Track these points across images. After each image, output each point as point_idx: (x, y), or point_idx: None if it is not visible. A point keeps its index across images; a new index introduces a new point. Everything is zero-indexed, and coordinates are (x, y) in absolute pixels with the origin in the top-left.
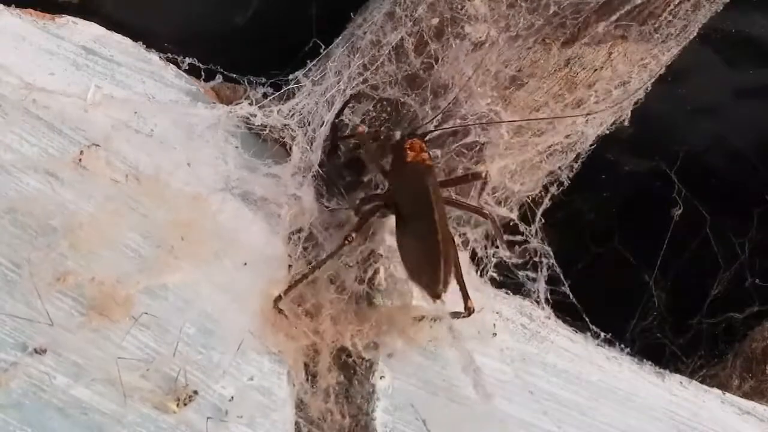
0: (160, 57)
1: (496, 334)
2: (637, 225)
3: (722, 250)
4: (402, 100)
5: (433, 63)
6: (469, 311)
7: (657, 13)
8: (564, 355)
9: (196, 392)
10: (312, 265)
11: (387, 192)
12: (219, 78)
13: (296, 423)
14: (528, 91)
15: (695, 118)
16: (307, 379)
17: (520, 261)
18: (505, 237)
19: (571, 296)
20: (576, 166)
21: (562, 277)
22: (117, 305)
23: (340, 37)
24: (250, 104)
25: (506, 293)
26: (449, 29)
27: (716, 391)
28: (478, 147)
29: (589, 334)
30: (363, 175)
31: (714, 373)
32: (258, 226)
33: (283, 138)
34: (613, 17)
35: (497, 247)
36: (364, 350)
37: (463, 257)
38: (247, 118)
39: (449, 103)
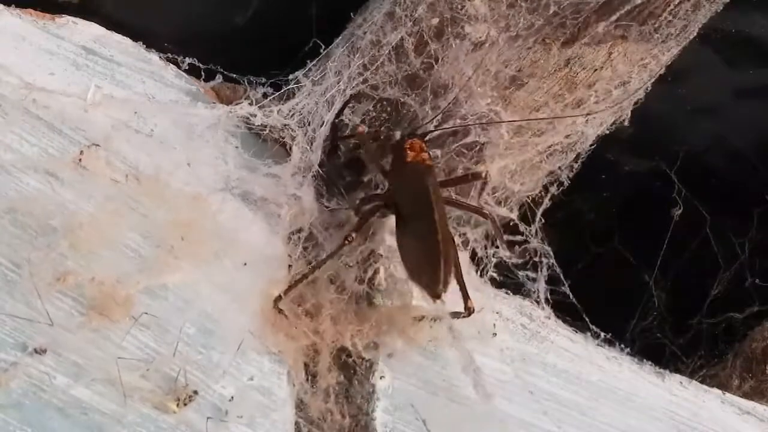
0: (160, 57)
1: (496, 334)
2: (637, 225)
3: (722, 250)
4: (402, 100)
5: (433, 63)
6: (469, 311)
7: (657, 13)
8: (564, 355)
9: (196, 392)
10: (312, 265)
11: (387, 192)
12: (219, 78)
13: (296, 423)
14: (528, 91)
15: (695, 118)
16: (307, 379)
17: (520, 261)
18: (505, 237)
19: (571, 296)
20: (576, 166)
21: (562, 277)
22: (117, 305)
23: (340, 37)
24: (250, 104)
25: (506, 293)
26: (449, 29)
27: (716, 391)
28: (478, 147)
29: (589, 334)
30: (363, 175)
31: (714, 373)
32: (258, 226)
33: (283, 138)
34: (613, 17)
35: (497, 247)
36: (364, 350)
37: (463, 257)
38: (247, 118)
39: (449, 104)
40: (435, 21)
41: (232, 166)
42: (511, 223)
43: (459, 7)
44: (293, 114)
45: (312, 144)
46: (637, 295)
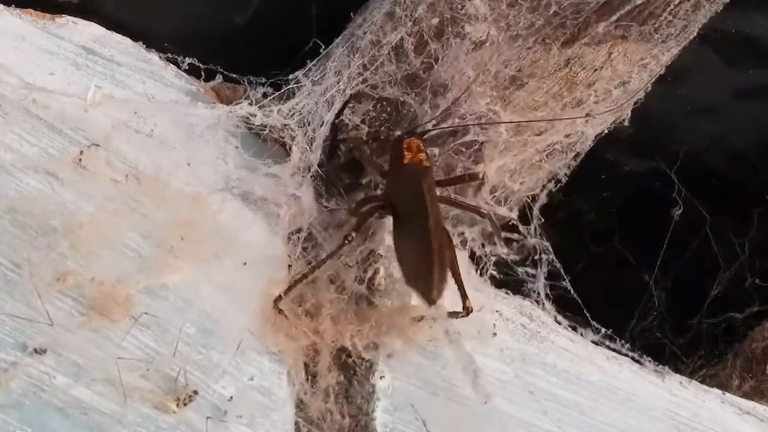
0: (160, 57)
1: (496, 334)
2: (637, 225)
3: (722, 250)
4: (402, 99)
5: (433, 63)
6: (467, 311)
7: (657, 13)
8: (564, 355)
9: (196, 392)
10: (312, 265)
11: (384, 193)
12: (219, 78)
13: (296, 423)
14: (528, 91)
15: (695, 118)
16: (307, 379)
17: (518, 257)
18: (504, 234)
19: (572, 291)
20: (574, 163)
21: (562, 272)
22: (117, 305)
23: (340, 37)
24: (250, 104)
25: (506, 293)
26: (449, 29)
27: (716, 391)
28: (476, 146)
29: (590, 329)
30: (362, 177)
31: (714, 373)
32: (258, 226)
33: (283, 138)
34: (614, 17)
35: (494, 243)
36: (363, 350)
37: (463, 257)
38: (247, 118)
39: (450, 104)
40: (435, 21)
41: (232, 166)
42: (510, 223)
43: (459, 6)
44: (293, 114)
45: (312, 144)
46: (637, 295)
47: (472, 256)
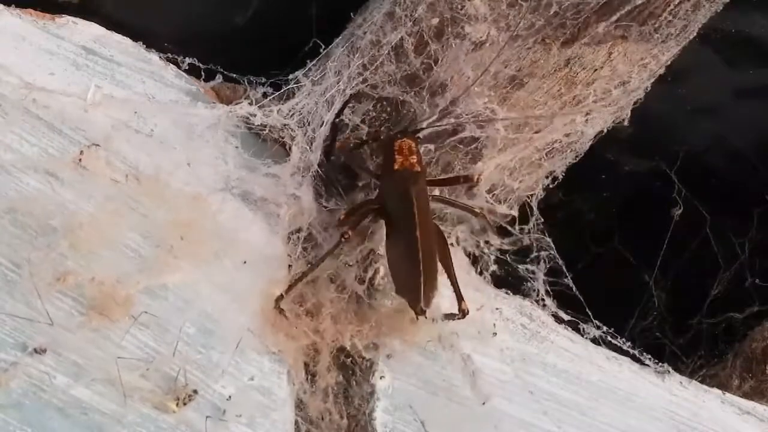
0: (160, 57)
1: (496, 333)
2: (637, 225)
3: (722, 250)
4: (402, 98)
5: (433, 63)
6: (463, 313)
7: (657, 13)
8: (564, 355)
9: (195, 391)
10: (311, 264)
11: (377, 196)
12: (219, 78)
13: (295, 422)
14: (528, 91)
15: (695, 118)
16: (307, 379)
17: (516, 249)
18: (502, 228)
19: (573, 288)
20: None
21: (564, 269)
22: (117, 305)
23: (340, 37)
24: (250, 104)
25: (506, 293)
26: (449, 29)
27: (716, 391)
28: (475, 144)
29: (592, 325)
30: (358, 180)
31: (714, 373)
32: (258, 226)
33: (283, 138)
34: (614, 17)
35: (487, 241)
36: (364, 350)
37: (462, 257)
38: (247, 117)
39: (448, 104)
40: (435, 21)
41: (232, 166)
42: (510, 219)
43: (459, 7)
44: (293, 114)
45: (311, 144)
46: (637, 295)
47: (467, 254)
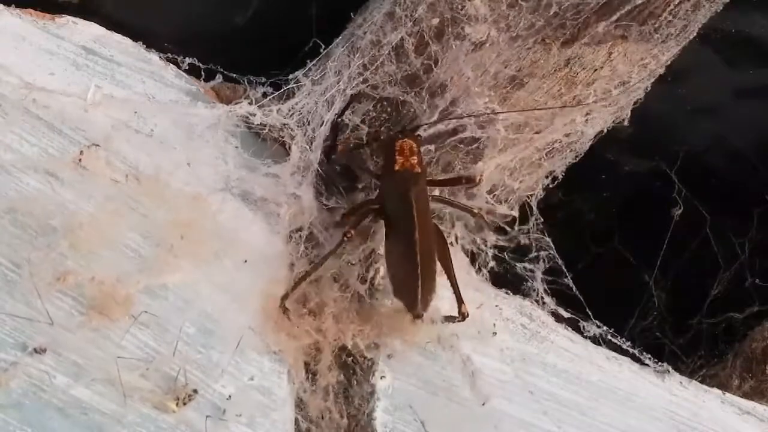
0: (160, 57)
1: (496, 333)
2: (637, 225)
3: (722, 250)
4: (402, 98)
5: (433, 64)
6: (462, 316)
7: (657, 13)
8: (564, 355)
9: (195, 391)
10: (314, 264)
11: (377, 196)
12: (219, 78)
13: (295, 420)
14: (528, 91)
15: (695, 118)
16: (307, 377)
17: (514, 247)
18: (499, 229)
19: (573, 288)
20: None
21: (564, 268)
22: (117, 305)
23: (340, 37)
24: (250, 104)
25: (506, 293)
26: (449, 29)
27: (716, 391)
28: (475, 144)
29: (592, 323)
30: (359, 181)
31: (714, 373)
32: (258, 226)
33: (283, 137)
34: (614, 17)
35: (485, 239)
36: (365, 350)
37: (463, 257)
38: (247, 117)
39: (448, 104)
40: (435, 21)
41: (232, 166)
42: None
43: (459, 7)
44: (292, 113)
45: (311, 143)
46: (637, 295)
47: (469, 252)
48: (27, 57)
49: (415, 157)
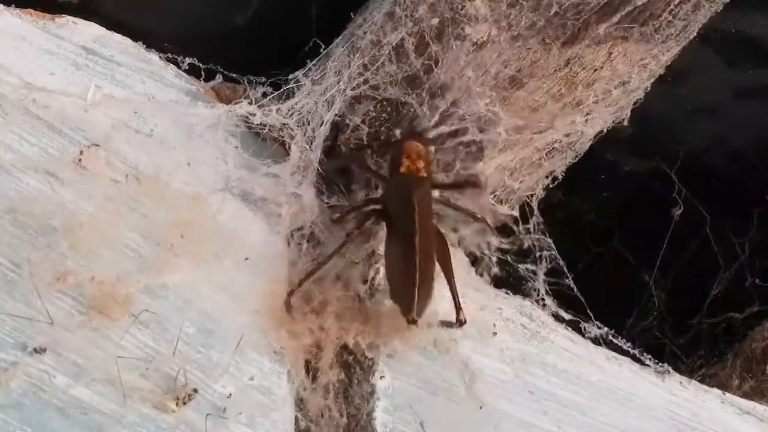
0: (160, 57)
1: (496, 333)
2: (637, 225)
3: (722, 250)
4: (402, 99)
5: (433, 64)
6: (460, 323)
7: (657, 13)
8: (564, 355)
9: (195, 390)
10: (319, 262)
11: (381, 196)
12: (219, 78)
13: (295, 419)
14: (528, 91)
15: (695, 118)
16: (308, 376)
17: (516, 249)
18: (502, 228)
19: (574, 289)
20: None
21: (565, 269)
22: (117, 304)
23: (340, 37)
24: (250, 104)
25: (506, 293)
26: (450, 29)
27: (716, 391)
28: (475, 146)
29: (593, 324)
30: (358, 181)
31: (714, 373)
32: (258, 226)
33: (282, 137)
34: (614, 18)
35: (488, 242)
36: (367, 349)
37: (463, 257)
38: (247, 117)
39: (449, 105)
40: (435, 21)
41: (232, 166)
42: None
43: (459, 7)
44: (292, 113)
45: (311, 143)
46: (637, 295)
47: (471, 255)
48: (27, 57)
49: (422, 161)
